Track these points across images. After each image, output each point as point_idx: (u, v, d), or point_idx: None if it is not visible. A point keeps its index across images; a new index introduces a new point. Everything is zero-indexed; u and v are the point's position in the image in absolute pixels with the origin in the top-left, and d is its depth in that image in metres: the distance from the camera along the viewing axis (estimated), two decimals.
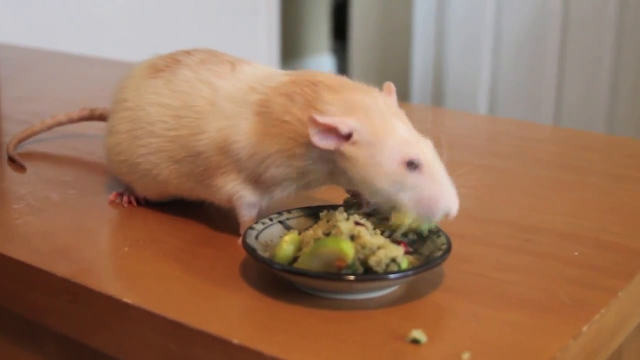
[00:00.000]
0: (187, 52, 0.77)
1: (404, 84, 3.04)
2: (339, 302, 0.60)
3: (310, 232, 0.64)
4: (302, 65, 3.86)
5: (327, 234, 0.62)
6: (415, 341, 0.54)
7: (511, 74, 2.83)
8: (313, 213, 0.69)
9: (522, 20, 2.78)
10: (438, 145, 0.67)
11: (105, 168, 0.88)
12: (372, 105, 0.65)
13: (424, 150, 0.64)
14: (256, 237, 0.65)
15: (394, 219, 0.64)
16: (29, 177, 0.90)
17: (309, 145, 0.65)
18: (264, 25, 2.65)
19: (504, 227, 0.75)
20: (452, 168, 0.67)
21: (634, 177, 0.91)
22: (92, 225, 0.77)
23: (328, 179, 0.68)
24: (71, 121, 0.99)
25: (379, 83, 0.70)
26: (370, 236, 0.60)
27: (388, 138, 0.64)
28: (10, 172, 0.92)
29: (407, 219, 0.63)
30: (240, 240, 0.66)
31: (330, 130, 0.64)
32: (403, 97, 2.25)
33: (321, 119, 0.63)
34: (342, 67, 3.84)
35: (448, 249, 0.62)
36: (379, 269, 0.59)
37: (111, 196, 0.82)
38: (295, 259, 0.62)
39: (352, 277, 0.58)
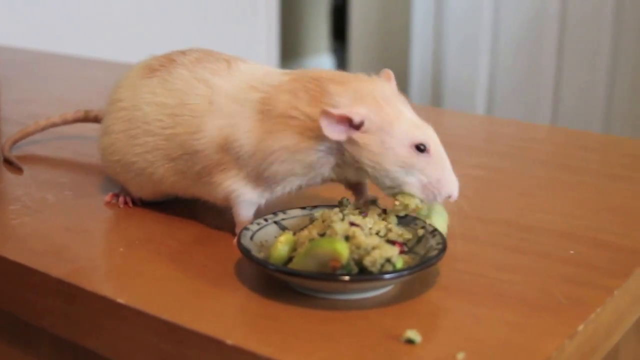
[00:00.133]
0: (182, 52, 0.78)
1: (403, 84, 3.03)
2: (334, 302, 0.60)
3: (305, 232, 0.64)
4: (302, 66, 3.86)
5: (322, 235, 0.62)
6: (410, 341, 0.54)
7: (509, 74, 2.84)
8: (308, 213, 0.69)
9: (519, 21, 2.78)
10: None
11: (101, 169, 0.88)
12: (378, 93, 0.67)
13: (430, 134, 0.67)
14: (251, 238, 0.65)
15: (401, 200, 0.66)
16: (25, 178, 0.90)
17: (317, 138, 0.66)
18: (263, 25, 2.65)
19: (500, 226, 0.75)
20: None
21: (631, 177, 0.91)
22: (88, 226, 0.77)
23: (333, 172, 0.69)
24: (65, 122, 0.99)
25: None
26: (365, 236, 0.60)
27: (397, 123, 0.66)
28: (6, 174, 0.92)
29: (413, 201, 0.66)
30: (235, 240, 0.66)
31: (342, 121, 0.65)
32: None
33: (334, 110, 0.65)
34: (342, 67, 3.84)
35: (443, 249, 0.62)
36: (374, 269, 0.58)
37: (107, 197, 0.82)
38: (290, 259, 0.62)
39: (346, 278, 0.57)
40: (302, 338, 0.55)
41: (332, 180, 0.71)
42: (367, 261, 0.58)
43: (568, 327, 0.56)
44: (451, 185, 0.67)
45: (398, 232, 0.65)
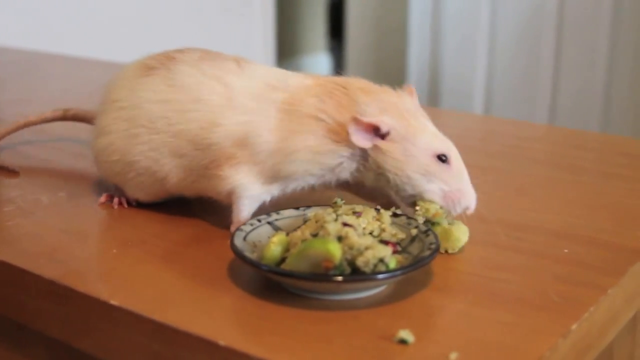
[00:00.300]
0: (180, 51, 0.78)
1: (400, 83, 3.01)
2: (327, 303, 0.59)
3: (298, 233, 0.63)
4: (299, 64, 3.87)
5: (315, 235, 0.62)
6: (403, 341, 0.54)
7: (506, 73, 2.84)
8: (302, 214, 0.69)
9: (517, 20, 2.78)
10: None
11: (96, 171, 0.87)
12: (402, 105, 0.70)
13: (451, 146, 0.70)
14: (244, 238, 0.64)
15: (421, 205, 0.69)
16: (18, 179, 0.90)
17: (342, 143, 0.69)
18: (259, 24, 2.65)
19: (494, 225, 0.74)
20: None
21: (628, 176, 0.91)
22: (82, 227, 0.76)
23: (351, 177, 0.71)
24: (44, 121, 0.97)
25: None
26: (358, 237, 0.60)
27: (420, 134, 0.69)
28: (0, 175, 0.92)
29: (433, 207, 0.68)
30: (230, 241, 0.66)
31: (370, 129, 0.68)
32: None
33: (365, 118, 0.67)
34: (339, 66, 3.85)
35: (436, 248, 0.62)
36: (367, 270, 0.58)
37: (102, 198, 0.82)
38: (283, 259, 0.62)
39: (339, 278, 0.57)
40: (295, 339, 0.55)
41: (347, 184, 0.72)
42: (360, 261, 0.58)
43: (562, 326, 0.56)
44: (470, 197, 0.70)
45: (392, 231, 0.65)
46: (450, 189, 0.69)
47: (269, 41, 2.70)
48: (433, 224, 0.68)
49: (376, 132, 0.68)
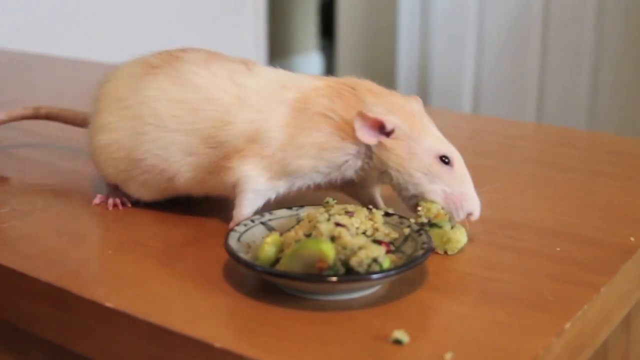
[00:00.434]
0: (183, 50, 0.79)
1: (390, 82, 3.04)
2: (321, 303, 0.60)
3: (291, 233, 0.64)
4: (291, 64, 3.86)
5: (309, 235, 0.62)
6: (398, 342, 0.54)
7: (494, 72, 2.85)
8: (295, 214, 0.69)
9: (504, 19, 2.79)
10: None
11: (90, 172, 0.88)
12: (409, 108, 0.72)
13: (455, 151, 0.71)
14: (238, 239, 0.65)
15: (423, 205, 0.69)
16: (14, 181, 0.90)
17: (348, 141, 0.70)
18: (251, 23, 2.65)
19: (487, 225, 0.75)
20: None
21: (616, 174, 0.91)
22: (77, 229, 0.77)
23: (355, 175, 0.72)
24: (12, 119, 0.96)
25: None
26: (351, 237, 0.60)
27: (424, 135, 0.70)
28: None
29: (434, 207, 0.69)
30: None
31: (375, 126, 0.69)
32: None
33: (370, 114, 0.69)
34: (330, 65, 3.85)
35: (430, 248, 0.62)
36: (361, 270, 0.59)
37: (96, 199, 0.81)
38: (277, 260, 0.62)
39: (333, 279, 0.57)
40: (290, 340, 0.55)
41: (352, 182, 0.73)
42: (353, 261, 0.59)
43: (555, 325, 0.56)
44: (474, 202, 0.70)
45: (385, 231, 0.65)
46: (452, 191, 0.69)
47: (260, 41, 2.69)
48: (433, 225, 0.68)
49: (381, 129, 0.69)
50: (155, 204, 0.79)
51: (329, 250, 0.58)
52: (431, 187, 0.69)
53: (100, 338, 0.62)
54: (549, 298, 0.60)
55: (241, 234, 0.65)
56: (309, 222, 0.64)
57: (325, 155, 0.70)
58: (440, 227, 0.68)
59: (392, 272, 0.59)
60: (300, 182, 0.72)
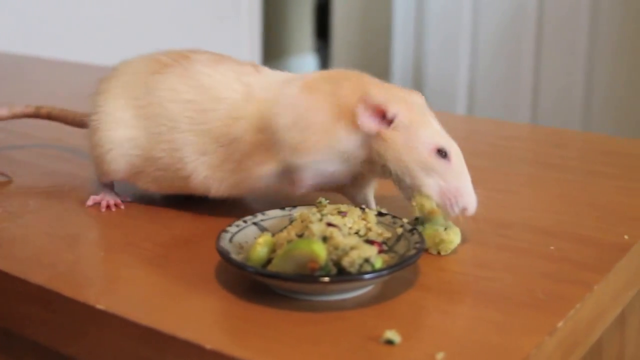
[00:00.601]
0: (192, 51, 0.79)
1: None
2: (313, 304, 0.59)
3: (284, 233, 0.63)
4: (286, 65, 3.87)
5: (301, 235, 0.62)
6: (389, 342, 0.54)
7: (489, 74, 2.85)
8: (287, 214, 0.69)
9: (498, 20, 2.80)
10: None
11: (83, 174, 0.88)
12: (410, 100, 0.71)
13: (453, 145, 0.70)
14: (230, 240, 0.64)
15: (417, 201, 0.69)
16: (6, 183, 0.90)
17: (350, 127, 0.69)
18: (245, 25, 2.65)
19: (480, 224, 0.74)
20: None
21: (610, 173, 0.91)
22: (69, 231, 0.76)
23: (362, 167, 0.71)
24: (14, 117, 0.95)
25: None
26: (343, 237, 0.60)
27: (423, 127, 0.70)
28: None
29: (428, 203, 0.68)
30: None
31: (377, 113, 0.69)
32: None
33: (373, 98, 0.69)
34: (325, 66, 3.85)
35: (421, 247, 0.62)
36: (352, 270, 0.58)
37: (89, 201, 0.81)
38: (269, 260, 0.62)
39: (325, 279, 0.57)
40: (282, 341, 0.55)
41: (361, 175, 0.73)
42: (345, 262, 0.58)
43: (548, 324, 0.56)
44: (469, 198, 0.69)
45: (378, 231, 0.65)
46: (447, 185, 0.68)
47: (255, 42, 2.69)
48: (424, 224, 0.68)
49: (382, 117, 0.69)
50: (147, 205, 0.79)
51: (320, 251, 0.58)
52: (427, 180, 0.69)
53: (92, 340, 0.62)
54: (542, 297, 0.60)
55: (233, 235, 0.65)
56: (302, 222, 0.64)
57: (331, 143, 0.70)
58: (434, 228, 0.68)
59: (384, 272, 0.58)
60: (321, 172, 0.72)
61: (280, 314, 0.58)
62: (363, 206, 0.68)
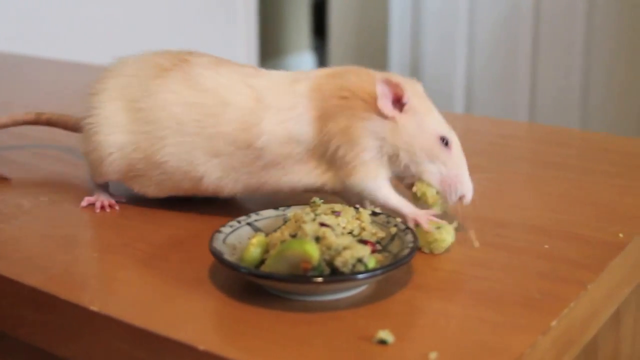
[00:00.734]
0: (190, 53, 0.79)
1: None
2: (307, 304, 0.59)
3: (277, 234, 0.63)
4: (283, 64, 3.86)
5: (294, 236, 0.62)
6: (382, 342, 0.54)
7: (486, 72, 2.85)
8: (281, 214, 0.69)
9: (495, 19, 2.80)
10: None
11: (78, 175, 0.88)
12: (414, 88, 0.73)
13: (453, 134, 0.72)
14: (224, 240, 0.64)
15: (418, 187, 0.71)
16: None
17: (367, 119, 0.70)
18: (242, 23, 2.64)
19: (475, 223, 0.74)
20: None
21: (608, 172, 0.91)
22: (63, 232, 0.76)
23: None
24: (15, 124, 0.95)
25: None
26: (336, 237, 0.60)
27: (428, 115, 0.72)
28: None
29: (429, 190, 0.70)
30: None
31: (394, 96, 0.70)
32: None
33: (393, 78, 0.70)
34: (322, 65, 3.84)
35: (415, 247, 0.62)
36: (345, 270, 0.58)
37: (83, 202, 0.81)
38: (263, 261, 0.62)
39: (317, 279, 0.57)
40: (275, 341, 0.55)
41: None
42: (338, 262, 0.58)
43: (542, 323, 0.56)
44: (467, 186, 0.71)
45: (372, 230, 0.65)
46: (448, 173, 0.70)
47: (252, 41, 2.69)
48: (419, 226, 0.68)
49: (397, 101, 0.70)
50: (141, 206, 0.79)
51: (313, 251, 0.58)
52: (429, 167, 0.70)
53: (86, 342, 0.62)
54: (536, 296, 0.60)
55: (227, 235, 0.65)
56: (295, 222, 0.64)
57: (354, 138, 0.70)
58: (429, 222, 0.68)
59: (377, 272, 0.58)
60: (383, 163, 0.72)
61: (274, 315, 0.58)
62: (357, 206, 0.68)
